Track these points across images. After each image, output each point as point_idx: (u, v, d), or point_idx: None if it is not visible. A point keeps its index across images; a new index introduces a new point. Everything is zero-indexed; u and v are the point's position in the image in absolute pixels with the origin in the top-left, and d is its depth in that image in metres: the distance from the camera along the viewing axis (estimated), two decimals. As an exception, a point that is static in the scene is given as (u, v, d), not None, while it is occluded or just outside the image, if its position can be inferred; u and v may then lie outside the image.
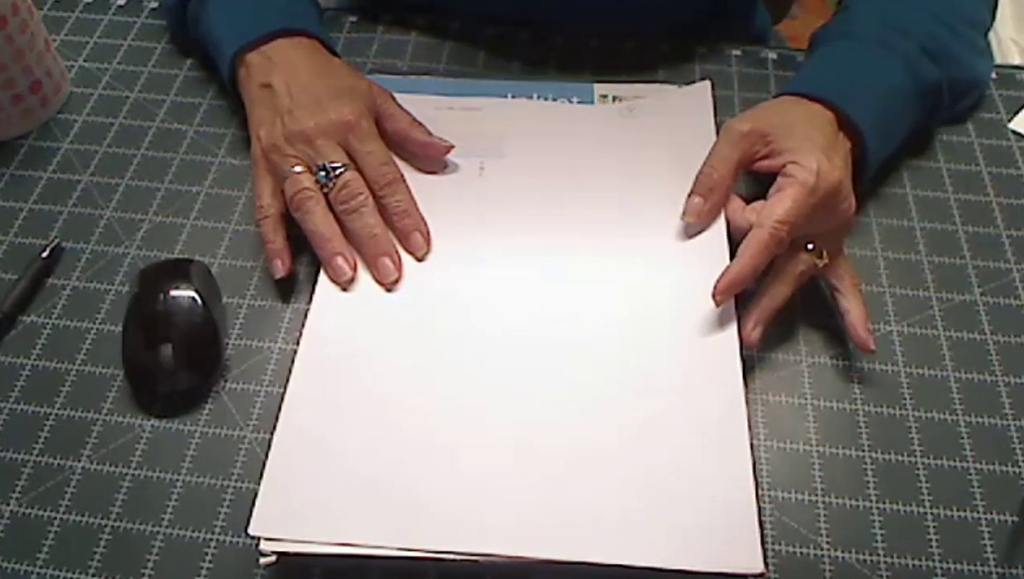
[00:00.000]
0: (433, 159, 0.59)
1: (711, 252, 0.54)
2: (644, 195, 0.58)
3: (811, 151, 0.51)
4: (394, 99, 0.60)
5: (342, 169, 0.54)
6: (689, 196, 0.55)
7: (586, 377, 0.50)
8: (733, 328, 0.51)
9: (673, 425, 0.48)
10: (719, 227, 0.54)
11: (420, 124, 0.59)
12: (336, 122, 0.55)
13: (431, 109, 0.63)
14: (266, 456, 0.46)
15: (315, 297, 0.53)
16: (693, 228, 0.55)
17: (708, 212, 0.54)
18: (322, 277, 0.54)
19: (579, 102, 0.65)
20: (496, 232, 0.56)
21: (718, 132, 0.55)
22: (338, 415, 0.48)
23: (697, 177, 0.55)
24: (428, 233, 0.55)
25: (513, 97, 0.66)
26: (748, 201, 0.54)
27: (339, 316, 0.52)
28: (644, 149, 0.61)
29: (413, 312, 0.53)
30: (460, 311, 0.53)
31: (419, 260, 0.55)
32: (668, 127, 0.62)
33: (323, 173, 0.54)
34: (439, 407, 0.49)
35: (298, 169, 0.55)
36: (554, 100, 0.65)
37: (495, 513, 0.45)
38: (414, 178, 0.58)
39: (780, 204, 0.50)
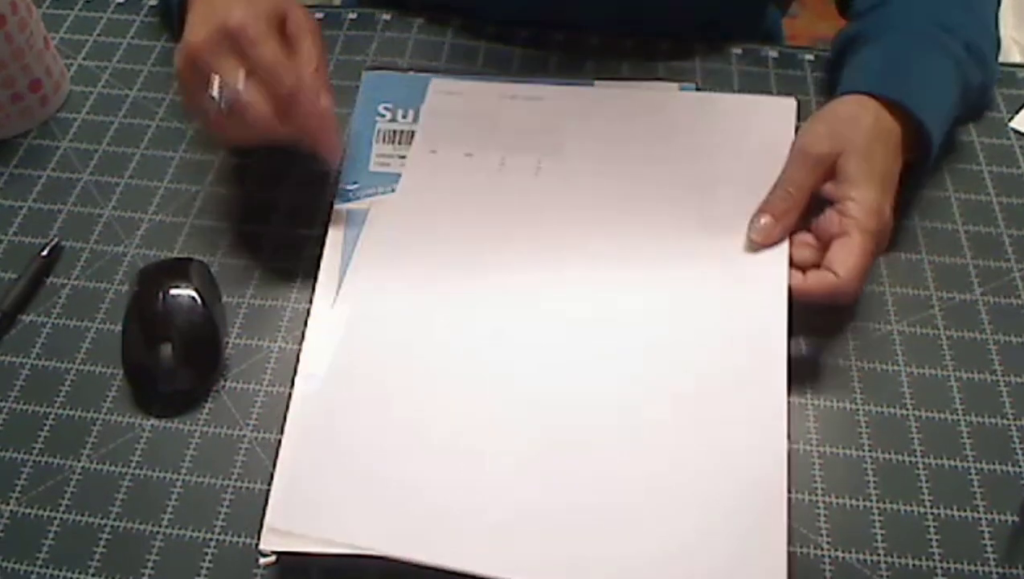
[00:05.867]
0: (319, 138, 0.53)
1: (769, 273, 0.52)
2: (706, 205, 0.56)
3: (869, 185, 0.51)
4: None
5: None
6: (758, 213, 0.54)
7: (627, 402, 0.48)
8: (782, 367, 0.49)
9: (710, 463, 0.46)
10: (782, 249, 0.53)
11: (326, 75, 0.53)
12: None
13: (494, 97, 0.61)
14: (271, 458, 0.46)
15: (348, 298, 0.52)
16: (756, 246, 0.53)
17: (777, 234, 0.53)
18: (354, 278, 0.53)
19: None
20: (545, 242, 0.54)
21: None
22: (363, 418, 0.47)
23: (770, 196, 0.54)
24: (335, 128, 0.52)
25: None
26: None
27: (379, 317, 0.51)
28: (715, 157, 0.59)
29: (452, 320, 0.51)
30: (500, 325, 0.51)
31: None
32: (744, 132, 0.60)
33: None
34: (470, 418, 0.47)
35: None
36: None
37: (519, 537, 0.43)
38: (461, 180, 0.57)
39: (851, 257, 0.49)
